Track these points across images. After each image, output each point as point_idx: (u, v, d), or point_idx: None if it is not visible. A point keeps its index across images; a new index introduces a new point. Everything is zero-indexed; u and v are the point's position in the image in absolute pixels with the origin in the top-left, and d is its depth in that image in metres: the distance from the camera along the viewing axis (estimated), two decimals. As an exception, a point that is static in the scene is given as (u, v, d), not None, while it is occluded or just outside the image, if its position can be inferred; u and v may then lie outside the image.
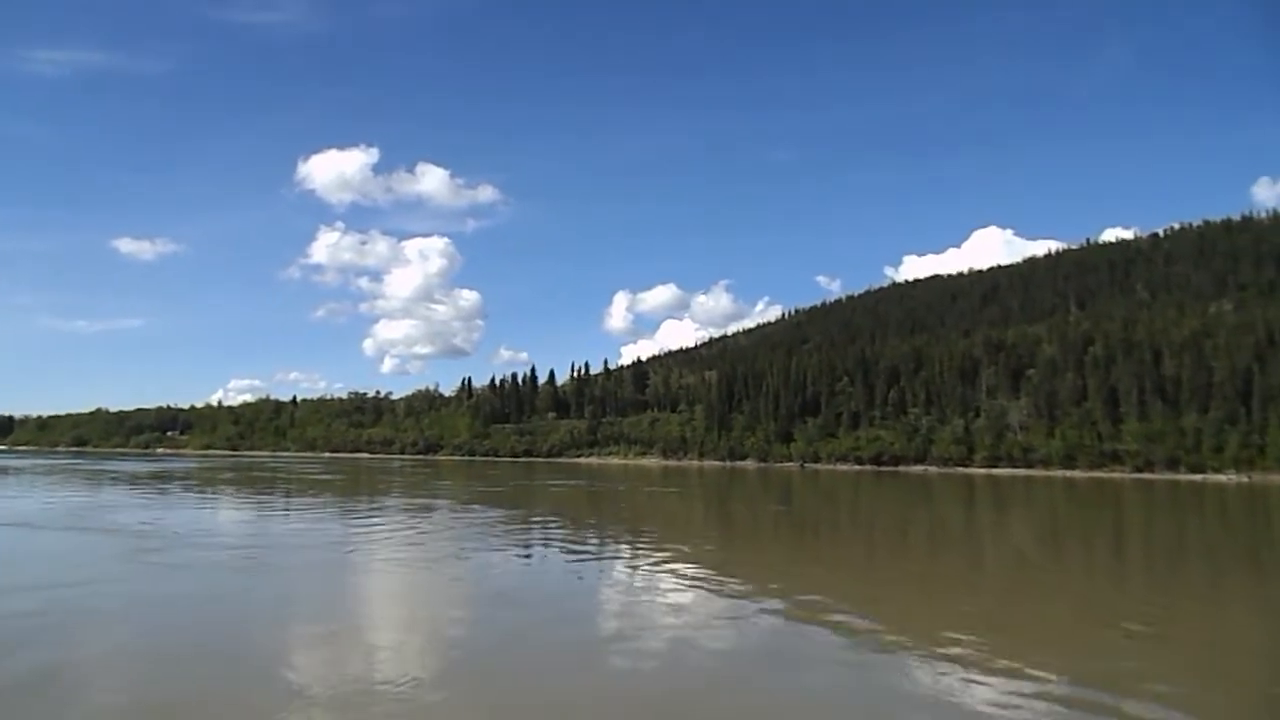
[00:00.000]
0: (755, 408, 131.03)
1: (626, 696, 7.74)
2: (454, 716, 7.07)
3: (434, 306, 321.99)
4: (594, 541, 20.96)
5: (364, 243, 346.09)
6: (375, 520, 25.86)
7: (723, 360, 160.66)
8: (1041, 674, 8.34)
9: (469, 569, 15.74)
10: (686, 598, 12.72)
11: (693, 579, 14.38)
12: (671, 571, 15.24)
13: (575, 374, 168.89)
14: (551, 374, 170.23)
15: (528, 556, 18.03)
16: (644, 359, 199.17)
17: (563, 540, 21.30)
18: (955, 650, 9.30)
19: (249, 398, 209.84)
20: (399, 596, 13.12)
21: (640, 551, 18.75)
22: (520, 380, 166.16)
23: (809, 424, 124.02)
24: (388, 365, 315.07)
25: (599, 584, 14.31)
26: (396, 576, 14.88)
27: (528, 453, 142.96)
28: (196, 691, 7.51)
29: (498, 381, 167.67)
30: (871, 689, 8.13)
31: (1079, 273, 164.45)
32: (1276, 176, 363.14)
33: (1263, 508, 43.02)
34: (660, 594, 13.12)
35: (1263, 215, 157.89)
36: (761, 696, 7.66)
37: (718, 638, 10.27)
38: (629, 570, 15.82)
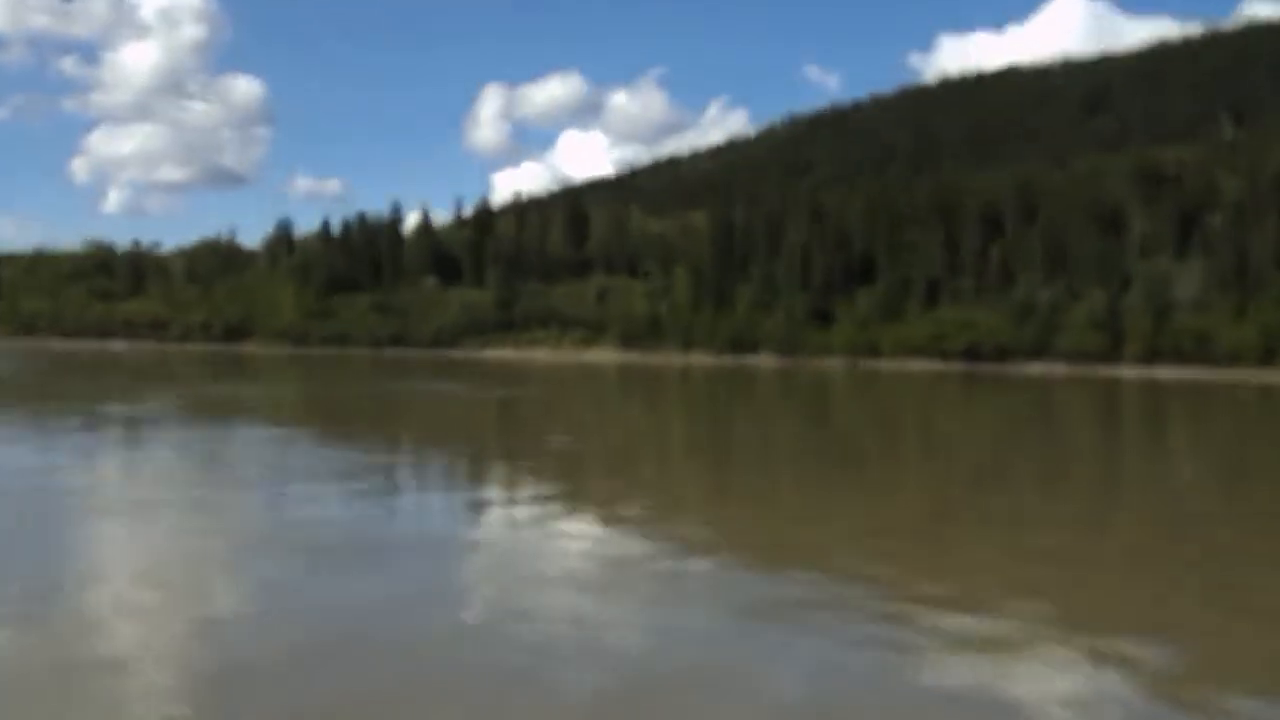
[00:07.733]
0: (770, 273, 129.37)
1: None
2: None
3: (187, 104, 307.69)
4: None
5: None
6: (130, 450, 25.74)
7: (714, 196, 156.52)
8: None
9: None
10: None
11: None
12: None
13: (470, 215, 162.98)
14: (425, 215, 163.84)
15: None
16: (576, 184, 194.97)
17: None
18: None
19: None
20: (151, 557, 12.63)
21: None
22: (375, 225, 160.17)
23: (859, 298, 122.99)
24: (114, 200, 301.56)
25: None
26: (150, 529, 14.39)
27: (397, 340, 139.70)
28: None
29: (336, 228, 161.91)
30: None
31: (1233, 67, 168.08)
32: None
33: None
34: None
35: None
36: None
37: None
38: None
